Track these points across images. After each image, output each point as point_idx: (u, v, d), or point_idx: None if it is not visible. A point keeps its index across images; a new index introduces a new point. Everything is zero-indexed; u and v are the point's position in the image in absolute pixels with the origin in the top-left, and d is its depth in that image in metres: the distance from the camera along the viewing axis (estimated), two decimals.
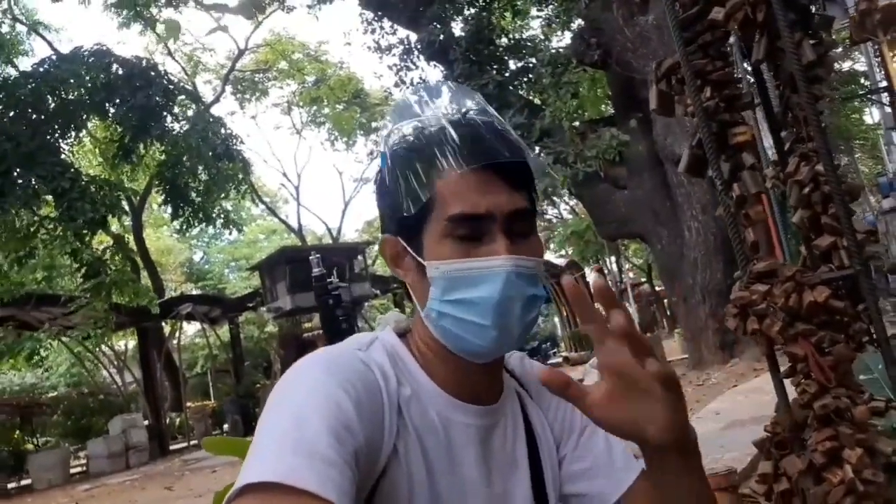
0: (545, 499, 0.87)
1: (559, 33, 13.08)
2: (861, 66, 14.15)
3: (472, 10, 12.74)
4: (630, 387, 0.66)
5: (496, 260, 0.75)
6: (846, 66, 15.44)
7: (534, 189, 0.83)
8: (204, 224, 15.16)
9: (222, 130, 14.27)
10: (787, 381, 1.47)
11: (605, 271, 19.90)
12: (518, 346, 0.82)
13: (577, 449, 0.91)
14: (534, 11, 14.84)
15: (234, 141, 14.50)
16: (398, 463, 0.75)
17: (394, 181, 0.80)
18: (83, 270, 12.01)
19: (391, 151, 0.82)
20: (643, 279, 24.21)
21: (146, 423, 14.99)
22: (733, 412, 4.36)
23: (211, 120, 14.29)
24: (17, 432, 15.46)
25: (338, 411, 0.68)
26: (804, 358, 1.40)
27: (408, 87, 12.71)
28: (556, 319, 24.40)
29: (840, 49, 13.26)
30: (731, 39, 1.84)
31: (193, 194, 14.43)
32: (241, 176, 14.60)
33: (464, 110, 0.82)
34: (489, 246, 0.76)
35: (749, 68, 1.71)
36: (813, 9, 1.57)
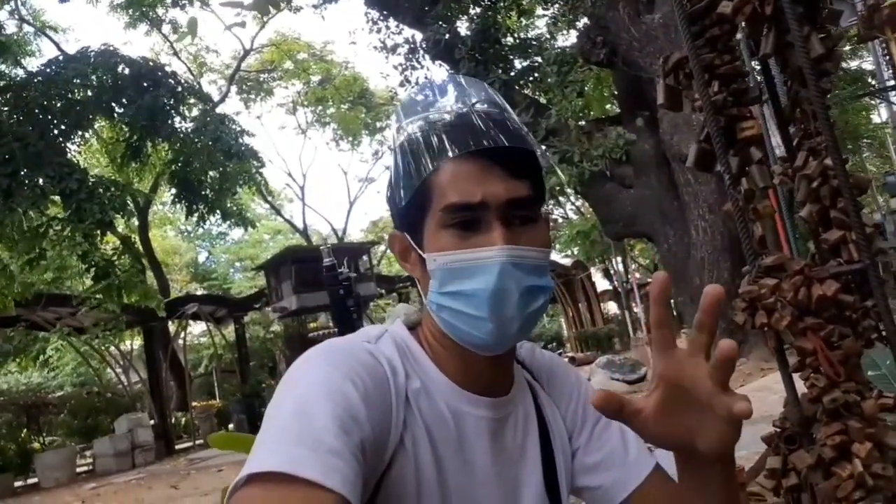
0: (557, 490, 0.87)
1: (565, 32, 13.06)
2: (868, 65, 14.10)
3: (478, 10, 12.74)
4: (688, 400, 0.65)
5: (490, 251, 0.74)
6: (854, 64, 15.38)
7: (539, 177, 0.81)
8: (221, 218, 15.17)
9: (233, 127, 14.32)
10: (795, 376, 1.46)
11: (612, 271, 19.89)
12: (522, 337, 0.81)
13: (591, 441, 0.91)
14: (539, 10, 14.84)
15: (245, 135, 14.58)
16: (405, 455, 0.75)
17: (396, 176, 0.81)
18: (92, 272, 12.00)
19: (396, 148, 0.82)
20: (649, 279, 24.16)
21: (152, 422, 15.07)
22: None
23: (222, 121, 14.33)
24: (24, 431, 15.55)
25: (344, 402, 0.68)
26: (813, 352, 1.40)
27: (414, 85, 12.75)
28: (562, 320, 24.37)
29: (848, 48, 13.20)
30: (739, 35, 1.84)
31: (207, 190, 14.48)
32: (253, 170, 14.62)
33: (469, 102, 0.81)
34: (485, 236, 0.75)
35: (756, 63, 1.70)
36: (823, 2, 1.56)
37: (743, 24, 1.54)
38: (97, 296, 12.08)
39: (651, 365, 0.68)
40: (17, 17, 17.13)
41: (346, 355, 0.75)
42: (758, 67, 1.75)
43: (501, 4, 12.84)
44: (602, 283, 23.29)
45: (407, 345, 0.83)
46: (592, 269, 21.93)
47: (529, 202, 0.78)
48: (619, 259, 17.96)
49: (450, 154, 0.76)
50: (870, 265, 1.39)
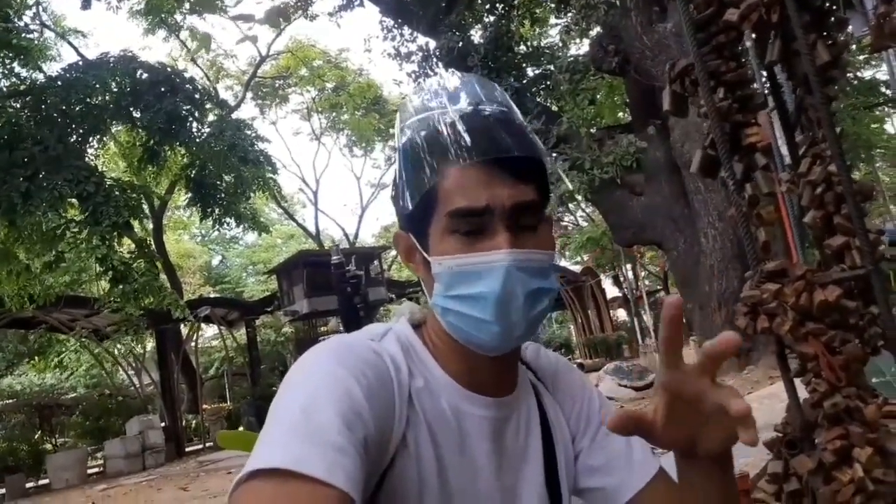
0: (559, 491, 0.87)
1: (577, 41, 13.08)
2: (883, 75, 14.00)
3: (492, 18, 12.80)
4: (690, 411, 0.67)
5: (495, 255, 0.75)
6: (868, 74, 15.27)
7: (544, 179, 0.81)
8: (235, 222, 15.26)
9: (249, 133, 14.43)
10: (798, 383, 1.47)
11: (622, 278, 19.78)
12: (527, 338, 0.82)
13: (595, 443, 0.90)
14: (552, 19, 14.88)
15: (260, 141, 14.70)
16: (408, 453, 0.75)
17: (401, 177, 0.81)
18: (110, 275, 12.02)
19: (402, 147, 0.82)
20: (659, 287, 24.03)
21: (163, 424, 15.13)
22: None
23: (238, 127, 14.43)
24: (38, 432, 15.68)
25: (348, 399, 0.68)
26: (814, 357, 1.40)
27: (423, 83, 12.79)
28: (572, 326, 24.28)
29: (862, 58, 13.12)
30: (748, 44, 1.85)
31: (222, 194, 14.58)
32: (268, 175, 14.70)
33: (475, 103, 0.81)
34: (490, 240, 0.75)
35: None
36: (833, 9, 1.57)
37: (750, 31, 1.56)
38: (115, 299, 12.10)
39: (657, 373, 0.70)
40: (38, 22, 17.38)
41: (350, 352, 0.76)
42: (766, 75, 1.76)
43: (515, 13, 12.89)
44: (612, 291, 23.17)
45: (411, 343, 0.83)
46: (602, 276, 21.82)
47: (535, 206, 0.78)
48: (629, 266, 17.88)
49: (456, 161, 0.76)
50: (873, 271, 1.39)
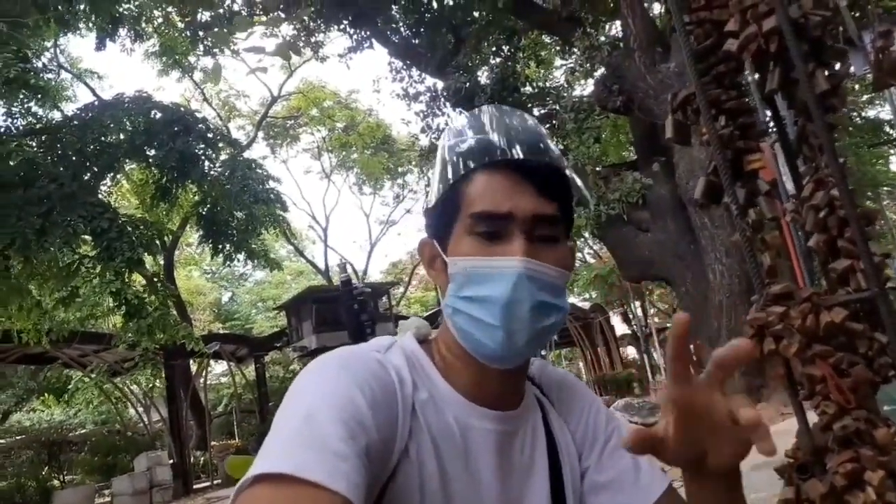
0: None
1: (582, 81, 13.30)
2: (886, 115, 14.09)
3: (498, 60, 13.04)
4: (701, 424, 0.66)
5: (509, 260, 0.76)
6: (872, 113, 15.36)
7: (568, 201, 0.84)
8: (246, 258, 15.35)
9: (260, 172, 14.62)
10: (808, 409, 1.46)
11: (631, 315, 19.64)
12: (530, 351, 0.82)
13: (601, 460, 0.90)
14: (557, 61, 15.15)
15: (271, 181, 14.88)
16: (410, 464, 0.75)
17: (433, 183, 0.85)
18: (124, 309, 12.00)
19: (438, 157, 0.86)
20: (668, 324, 23.79)
21: (171, 461, 14.98)
22: (760, 454, 4.23)
23: (249, 166, 14.63)
24: (45, 469, 15.55)
25: (351, 407, 0.69)
26: (822, 379, 1.40)
27: (436, 131, 13.06)
28: (581, 363, 24.02)
29: (865, 97, 13.23)
30: (751, 78, 1.90)
31: (233, 231, 14.71)
32: (277, 214, 14.84)
33: (511, 124, 0.84)
34: (506, 246, 0.77)
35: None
36: (831, 42, 1.61)
37: (750, 61, 1.60)
38: (130, 334, 12.09)
39: (664, 391, 0.68)
40: (55, 63, 17.86)
41: (355, 363, 0.77)
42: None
43: (521, 55, 13.14)
44: (621, 328, 22.97)
45: (416, 356, 0.84)
46: (611, 314, 21.66)
47: (555, 221, 0.80)
48: (638, 303, 17.75)
49: (484, 161, 0.79)
50: (878, 293, 1.40)
